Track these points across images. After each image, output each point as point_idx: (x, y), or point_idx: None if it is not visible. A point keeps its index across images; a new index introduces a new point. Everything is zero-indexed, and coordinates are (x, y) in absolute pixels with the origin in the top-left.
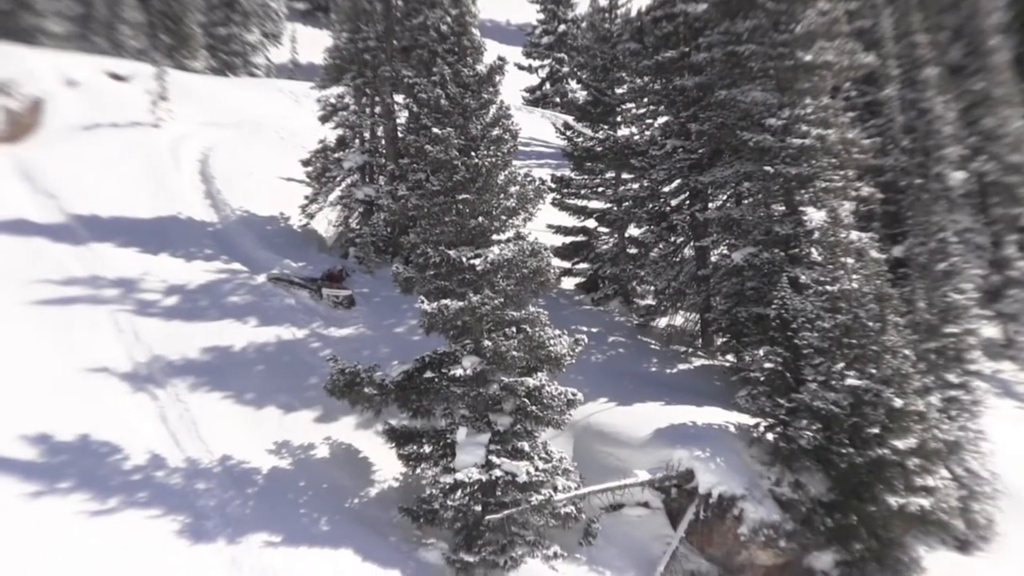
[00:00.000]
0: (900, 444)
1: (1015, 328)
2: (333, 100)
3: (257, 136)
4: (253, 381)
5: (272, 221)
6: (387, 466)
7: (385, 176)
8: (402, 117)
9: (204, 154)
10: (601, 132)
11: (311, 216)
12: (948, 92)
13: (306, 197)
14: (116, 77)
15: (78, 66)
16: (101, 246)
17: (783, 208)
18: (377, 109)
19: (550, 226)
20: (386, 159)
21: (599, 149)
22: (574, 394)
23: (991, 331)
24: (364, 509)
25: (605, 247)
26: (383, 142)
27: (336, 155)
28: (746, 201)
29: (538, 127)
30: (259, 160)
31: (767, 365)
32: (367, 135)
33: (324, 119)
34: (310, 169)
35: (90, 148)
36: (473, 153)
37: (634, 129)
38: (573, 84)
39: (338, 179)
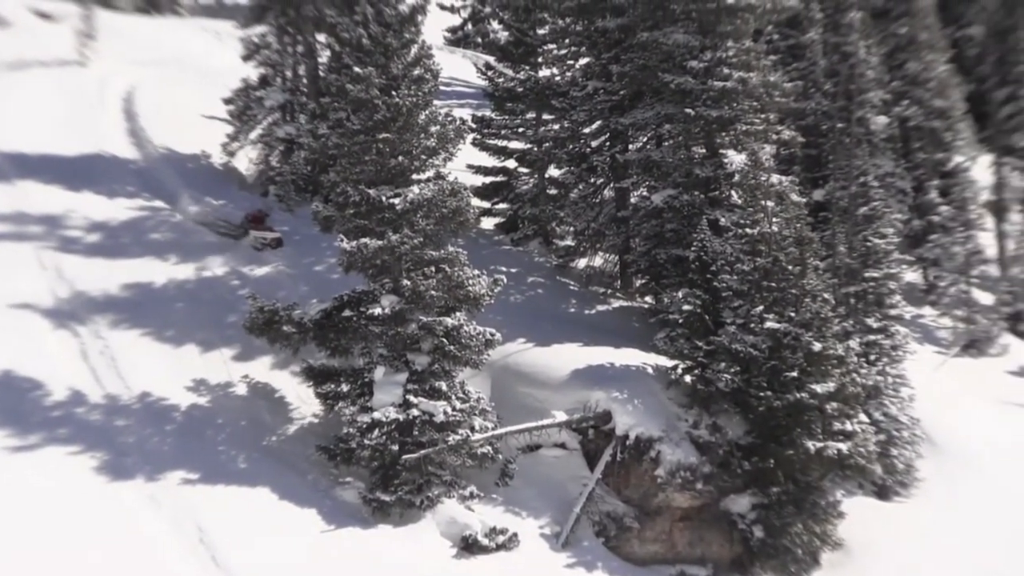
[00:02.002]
0: (819, 388)
1: (936, 273)
2: (256, 39)
3: (181, 75)
4: (173, 318)
5: (194, 159)
6: (305, 404)
7: (306, 115)
8: (324, 56)
9: (129, 92)
10: (522, 73)
11: (232, 154)
12: (872, 36)
13: (228, 135)
14: (43, 15)
15: (5, 4)
16: (26, 183)
17: (704, 150)
18: (299, 48)
19: (470, 166)
20: (307, 98)
21: (520, 90)
22: (492, 334)
23: (912, 276)
24: (282, 447)
25: (525, 188)
26: (305, 81)
27: (258, 94)
28: (667, 143)
29: (459, 67)
30: (183, 98)
31: (686, 307)
32: (289, 74)
33: (247, 58)
34: (232, 107)
35: (16, 86)
36: (394, 92)
37: (555, 70)
38: (495, 24)
39: (259, 117)
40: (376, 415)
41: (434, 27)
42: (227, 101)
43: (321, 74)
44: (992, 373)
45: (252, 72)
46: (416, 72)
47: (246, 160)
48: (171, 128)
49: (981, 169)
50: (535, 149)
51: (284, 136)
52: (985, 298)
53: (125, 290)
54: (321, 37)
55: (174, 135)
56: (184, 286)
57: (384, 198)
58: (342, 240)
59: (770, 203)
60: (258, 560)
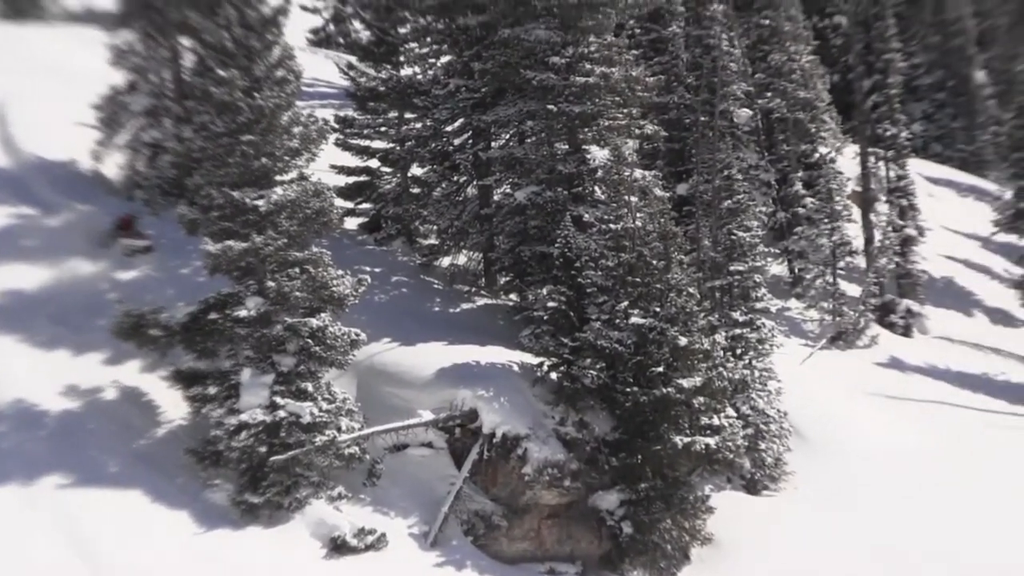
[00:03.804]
0: (685, 383)
1: (802, 265)
2: (122, 44)
3: (51, 82)
4: (44, 324)
5: (63, 166)
6: (174, 408)
7: (171, 119)
8: (189, 60)
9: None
10: (384, 72)
11: (99, 159)
12: (735, 28)
13: (96, 141)
14: None
15: None
16: None
17: (566, 146)
18: (164, 53)
19: (333, 166)
20: (173, 102)
21: (382, 89)
22: (357, 334)
23: (778, 269)
24: (152, 450)
25: (388, 187)
26: (170, 85)
27: (125, 99)
28: (529, 140)
29: (322, 68)
30: (53, 105)
31: (550, 304)
32: (155, 79)
33: (113, 63)
34: (100, 113)
35: None
36: (257, 94)
37: (417, 68)
38: (356, 24)
39: (126, 123)
40: (243, 417)
41: (297, 28)
42: (95, 107)
43: (186, 78)
44: (860, 365)
45: (119, 77)
46: (279, 74)
47: (114, 166)
48: (42, 135)
49: (847, 160)
50: (397, 148)
51: (150, 141)
52: (852, 290)
53: None
54: (185, 41)
55: (45, 142)
56: (54, 292)
57: (248, 200)
58: (207, 243)
59: (634, 198)
60: (131, 562)
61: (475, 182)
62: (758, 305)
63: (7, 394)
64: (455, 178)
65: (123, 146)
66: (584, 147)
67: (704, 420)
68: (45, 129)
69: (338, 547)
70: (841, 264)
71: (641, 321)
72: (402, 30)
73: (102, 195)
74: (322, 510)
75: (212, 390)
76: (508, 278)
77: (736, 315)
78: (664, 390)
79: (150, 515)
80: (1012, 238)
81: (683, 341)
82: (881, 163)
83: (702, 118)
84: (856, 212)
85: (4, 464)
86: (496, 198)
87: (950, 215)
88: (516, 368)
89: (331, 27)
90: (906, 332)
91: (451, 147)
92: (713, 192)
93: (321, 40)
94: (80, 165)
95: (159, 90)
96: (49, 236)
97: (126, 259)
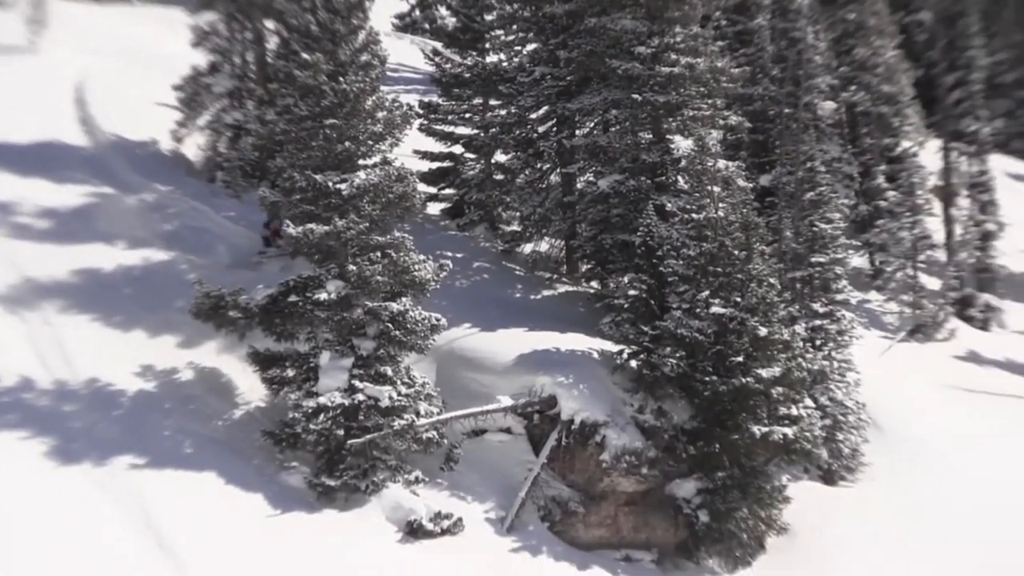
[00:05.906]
0: (764, 373)
1: (883, 258)
2: (205, 26)
3: (132, 62)
4: (120, 304)
5: (143, 146)
6: (251, 390)
7: (254, 101)
8: (272, 43)
9: (80, 80)
10: (469, 59)
11: (180, 140)
12: (820, 21)
13: (176, 122)
14: None
15: None
16: None
17: (650, 136)
18: (248, 35)
19: (416, 152)
20: (256, 84)
21: (467, 75)
22: (438, 319)
23: (859, 261)
24: (228, 432)
25: (471, 173)
26: (253, 68)
27: (206, 80)
28: (613, 128)
29: (407, 53)
30: (133, 86)
31: (631, 292)
32: (237, 60)
33: (196, 44)
34: (181, 94)
35: None
36: (341, 79)
37: (503, 56)
38: (443, 10)
39: (208, 104)
40: (321, 400)
41: (382, 13)
42: (176, 88)
43: (269, 61)
44: (939, 358)
45: (201, 59)
46: (364, 58)
47: (194, 147)
48: (121, 115)
49: (929, 154)
50: (482, 135)
51: (232, 122)
52: (932, 283)
53: (74, 276)
54: (269, 24)
55: (124, 122)
56: (131, 272)
57: (331, 184)
58: (288, 225)
59: (716, 188)
60: (204, 544)
61: (558, 170)
62: (838, 297)
63: (80, 373)
64: (538, 165)
65: (204, 127)
66: (668, 137)
67: (782, 410)
68: (125, 109)
69: (414, 531)
70: (922, 257)
71: (722, 311)
72: (488, 17)
73: (181, 175)
74: (399, 494)
75: (290, 372)
76: (589, 266)
77: (816, 306)
78: (743, 380)
79: (224, 497)
80: None
81: (763, 331)
82: (963, 158)
83: (786, 110)
84: (937, 206)
85: (75, 444)
86: (579, 186)
87: None
88: (596, 355)
89: (417, 13)
90: (984, 326)
91: (535, 134)
92: (796, 184)
93: (407, 25)
94: (160, 145)
95: (242, 72)
96: (128, 216)
97: (202, 239)
